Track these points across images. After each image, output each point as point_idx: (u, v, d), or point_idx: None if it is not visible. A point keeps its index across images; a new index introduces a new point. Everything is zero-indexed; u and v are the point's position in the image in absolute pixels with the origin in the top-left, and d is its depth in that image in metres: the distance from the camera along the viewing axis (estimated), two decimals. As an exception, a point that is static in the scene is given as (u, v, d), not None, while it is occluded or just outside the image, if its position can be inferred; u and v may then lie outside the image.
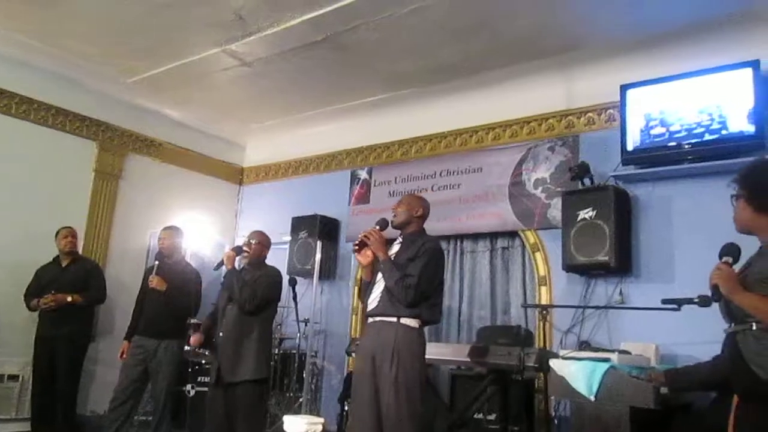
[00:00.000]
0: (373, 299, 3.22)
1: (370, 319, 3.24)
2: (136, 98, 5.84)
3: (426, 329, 3.30)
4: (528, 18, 4.00)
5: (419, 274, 3.07)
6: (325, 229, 5.78)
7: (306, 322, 5.41)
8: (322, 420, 4.25)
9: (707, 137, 3.86)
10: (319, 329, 5.72)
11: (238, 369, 3.71)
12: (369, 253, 3.26)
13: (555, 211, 4.49)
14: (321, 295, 5.74)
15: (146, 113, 6.09)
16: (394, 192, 5.52)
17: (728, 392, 2.19)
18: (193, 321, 4.78)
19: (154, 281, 4.39)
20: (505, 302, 4.85)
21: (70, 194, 5.49)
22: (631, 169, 4.21)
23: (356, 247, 3.29)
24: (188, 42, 4.60)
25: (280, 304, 4.21)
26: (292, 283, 5.39)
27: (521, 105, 4.90)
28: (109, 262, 5.65)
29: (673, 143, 3.99)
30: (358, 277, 3.40)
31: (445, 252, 5.05)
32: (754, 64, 3.72)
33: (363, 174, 5.91)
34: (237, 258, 3.97)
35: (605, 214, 4.05)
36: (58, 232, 4.84)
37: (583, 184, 4.31)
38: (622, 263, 4.04)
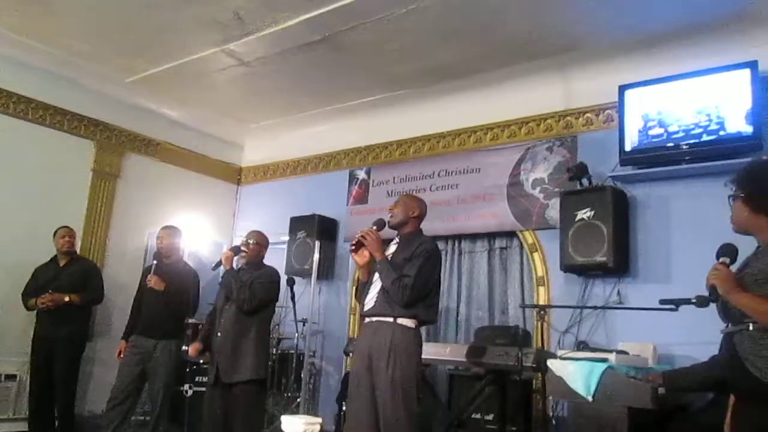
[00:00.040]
0: (370, 299, 3.22)
1: (367, 319, 3.24)
2: (134, 98, 5.83)
3: (423, 329, 3.31)
4: (527, 18, 4.00)
5: (416, 275, 3.07)
6: (324, 229, 5.78)
7: (304, 322, 5.41)
8: (320, 420, 4.23)
9: (705, 138, 3.86)
10: (317, 329, 5.72)
11: (237, 369, 3.71)
12: (366, 253, 3.26)
13: (553, 212, 4.49)
14: (319, 295, 5.73)
15: (144, 113, 6.08)
16: (392, 192, 5.52)
17: (725, 393, 2.19)
18: (191, 321, 4.79)
19: (153, 281, 4.38)
20: (503, 302, 4.85)
21: (68, 194, 5.48)
22: (629, 170, 4.21)
23: (353, 247, 3.30)
24: (186, 41, 4.60)
25: (278, 304, 4.21)
26: (290, 283, 5.39)
27: (519, 105, 4.90)
28: (107, 261, 5.64)
29: (671, 144, 3.99)
30: (357, 277, 3.41)
31: (443, 252, 5.08)
32: (752, 65, 3.72)
33: (361, 174, 5.91)
34: (235, 258, 3.96)
35: (603, 215, 4.05)
36: (56, 232, 4.84)
37: (581, 184, 4.31)
38: (620, 263, 4.04)
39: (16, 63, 5.14)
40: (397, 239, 3.38)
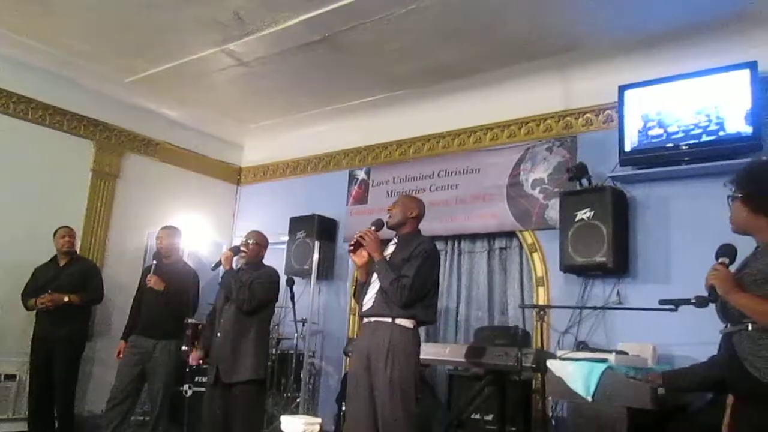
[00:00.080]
0: (368, 300, 3.22)
1: (365, 320, 3.25)
2: (133, 98, 5.83)
3: (422, 329, 3.30)
4: (527, 18, 4.00)
5: (414, 275, 3.07)
6: (323, 229, 5.77)
7: (303, 322, 5.41)
8: (319, 420, 4.23)
9: (705, 138, 3.86)
10: (317, 329, 5.71)
11: (236, 369, 3.71)
12: (364, 253, 3.26)
13: (553, 212, 4.49)
14: (319, 295, 5.73)
15: (144, 113, 6.08)
16: (391, 192, 5.52)
17: (724, 393, 2.19)
18: (190, 321, 4.79)
19: (152, 281, 4.39)
20: (502, 303, 4.85)
21: (67, 194, 5.48)
22: (628, 170, 4.21)
23: (351, 248, 3.30)
24: (186, 41, 4.59)
25: (277, 304, 4.21)
26: (290, 283, 5.40)
27: (519, 105, 4.90)
28: (106, 261, 5.64)
29: (670, 144, 3.99)
30: (355, 277, 3.41)
31: (443, 252, 5.09)
32: (752, 66, 3.72)
33: (361, 174, 5.91)
34: (234, 258, 3.96)
35: (603, 215, 4.05)
36: (56, 232, 4.84)
37: (580, 184, 4.31)
38: (620, 264, 4.04)
39: (16, 63, 5.15)
40: (395, 240, 3.37)
